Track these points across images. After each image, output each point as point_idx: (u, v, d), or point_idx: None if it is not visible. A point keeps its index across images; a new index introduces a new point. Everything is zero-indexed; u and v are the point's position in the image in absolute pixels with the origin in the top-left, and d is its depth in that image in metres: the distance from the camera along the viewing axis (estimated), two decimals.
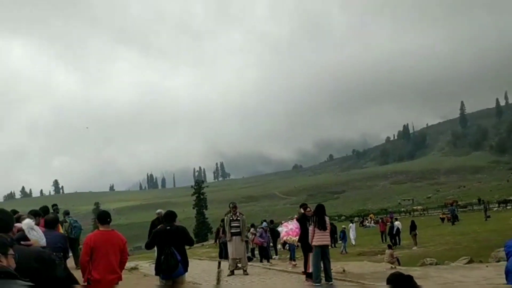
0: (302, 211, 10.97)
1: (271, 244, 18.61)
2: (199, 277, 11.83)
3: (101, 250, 5.88)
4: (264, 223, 20.02)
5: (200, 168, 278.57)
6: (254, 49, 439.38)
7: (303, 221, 10.78)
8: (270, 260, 16.54)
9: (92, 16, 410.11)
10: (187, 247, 7.54)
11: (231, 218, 12.19)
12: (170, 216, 7.38)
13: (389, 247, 18.50)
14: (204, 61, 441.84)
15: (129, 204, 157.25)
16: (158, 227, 7.92)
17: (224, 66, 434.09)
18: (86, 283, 5.74)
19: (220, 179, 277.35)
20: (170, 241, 7.02)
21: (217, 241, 21.07)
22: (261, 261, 15.98)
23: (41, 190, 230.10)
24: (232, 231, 12.06)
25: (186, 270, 7.27)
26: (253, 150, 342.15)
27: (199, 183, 77.29)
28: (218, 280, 8.16)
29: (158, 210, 13.62)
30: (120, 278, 6.14)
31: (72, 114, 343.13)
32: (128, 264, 15.96)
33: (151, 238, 7.66)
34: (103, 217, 6.11)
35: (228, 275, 11.77)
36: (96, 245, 5.89)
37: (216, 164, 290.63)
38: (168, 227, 7.20)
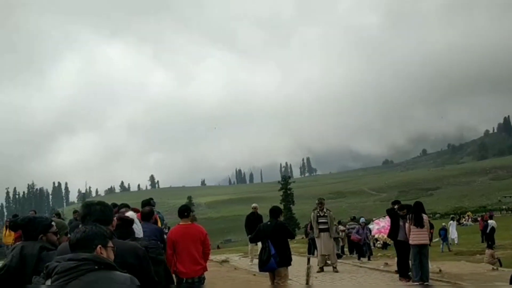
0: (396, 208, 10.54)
1: (367, 240, 18.07)
2: (289, 273, 11.82)
3: (182, 243, 6.11)
4: (362, 219, 19.55)
5: (286, 163, 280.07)
6: (340, 43, 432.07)
7: (393, 216, 10.39)
8: (363, 258, 16.09)
9: (182, 16, 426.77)
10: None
11: (318, 214, 12.02)
12: (275, 211, 7.70)
13: (489, 246, 17.28)
14: (291, 56, 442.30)
15: (219, 198, 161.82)
16: (264, 222, 8.24)
17: (311, 61, 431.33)
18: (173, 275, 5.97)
19: (307, 174, 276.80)
20: (270, 236, 7.34)
21: (307, 237, 20.98)
22: (358, 259, 15.61)
23: (138, 185, 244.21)
24: (319, 227, 11.90)
25: (283, 265, 7.45)
26: (341, 145, 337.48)
27: (285, 179, 77.74)
28: (308, 276, 8.11)
29: (254, 204, 13.86)
30: (205, 269, 6.34)
31: (166, 112, 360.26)
32: (219, 257, 16.45)
33: (255, 233, 7.98)
34: (181, 212, 6.31)
35: (318, 272, 11.64)
36: (177, 239, 6.12)
37: (303, 159, 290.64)
38: (269, 222, 7.60)
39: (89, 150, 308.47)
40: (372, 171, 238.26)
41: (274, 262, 7.24)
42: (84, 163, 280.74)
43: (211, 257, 9.07)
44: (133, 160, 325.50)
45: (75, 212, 11.95)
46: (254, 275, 10.86)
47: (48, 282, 2.27)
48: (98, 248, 2.37)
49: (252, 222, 12.37)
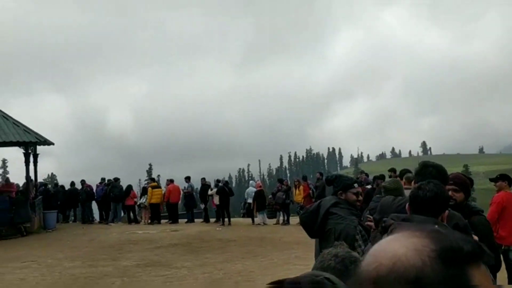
0: None
1: None
2: None
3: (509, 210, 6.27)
4: None
5: None
6: None
7: None
8: None
9: None
10: None
11: None
12: None
13: None
14: None
15: (500, 167, 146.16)
16: None
17: None
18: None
19: None
20: None
21: None
22: None
23: (410, 151, 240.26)
24: None
25: None
26: None
27: None
28: None
29: None
30: None
31: (442, 74, 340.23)
32: None
33: None
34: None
35: None
36: (507, 205, 6.35)
37: None
38: None
39: (363, 115, 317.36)
40: None
41: None
42: (357, 129, 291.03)
43: None
44: (405, 125, 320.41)
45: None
46: None
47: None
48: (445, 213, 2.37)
49: None
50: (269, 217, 18.08)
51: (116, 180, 20.16)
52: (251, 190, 18.43)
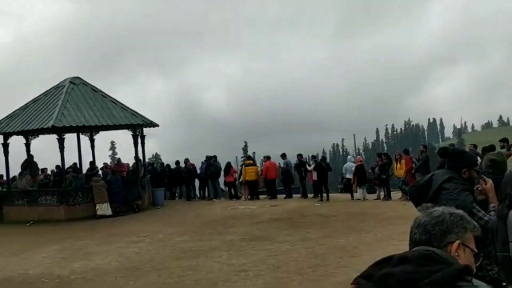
0: None
1: None
2: None
3: None
4: None
5: None
6: None
7: None
8: None
9: None
10: None
11: None
12: None
13: None
14: None
15: None
16: None
17: None
18: None
19: None
20: None
21: None
22: None
23: None
24: None
25: None
26: None
27: None
28: None
29: None
30: None
31: None
32: None
33: None
34: None
35: None
36: None
37: None
38: None
39: (465, 82, 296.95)
40: None
41: None
42: (460, 97, 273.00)
43: None
44: None
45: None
46: None
47: None
48: None
49: None
50: (368, 192, 17.73)
51: (210, 158, 20.75)
52: (350, 165, 18.14)
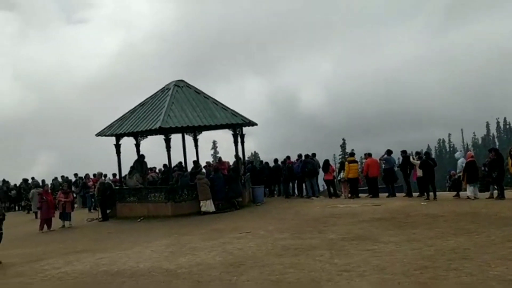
0: None
1: None
2: None
3: None
4: None
5: None
6: None
7: None
8: None
9: None
10: None
11: None
12: None
13: None
14: None
15: None
16: None
17: None
18: None
19: None
20: None
21: None
22: None
23: None
24: None
25: None
26: None
27: None
28: None
29: None
30: None
31: None
32: None
33: None
34: None
35: None
36: None
37: None
38: None
39: None
40: None
41: None
42: None
43: None
44: None
45: None
46: None
47: None
48: None
49: None
50: (480, 191, 16.49)
51: (308, 156, 20.63)
52: (462, 161, 17.02)
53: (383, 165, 19.39)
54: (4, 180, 30.06)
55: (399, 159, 20.52)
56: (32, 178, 27.57)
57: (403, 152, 18.88)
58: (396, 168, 19.69)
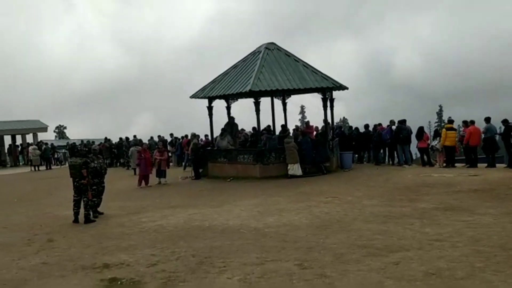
0: None
1: None
2: None
3: None
4: None
5: None
6: None
7: None
8: None
9: None
10: None
11: None
12: None
13: None
14: None
15: None
16: None
17: None
18: None
19: None
20: None
21: None
22: None
23: None
24: None
25: None
26: None
27: None
28: None
29: None
30: None
31: None
32: None
33: None
34: None
35: None
36: None
37: None
38: None
39: None
40: None
41: None
42: None
43: None
44: None
45: None
46: None
47: None
48: None
49: None
50: None
51: (402, 122, 19.87)
52: None
53: (483, 134, 18.15)
54: (106, 138, 32.42)
55: (500, 128, 19.08)
56: (134, 136, 29.39)
57: (505, 121, 17.50)
58: (497, 137, 18.35)
